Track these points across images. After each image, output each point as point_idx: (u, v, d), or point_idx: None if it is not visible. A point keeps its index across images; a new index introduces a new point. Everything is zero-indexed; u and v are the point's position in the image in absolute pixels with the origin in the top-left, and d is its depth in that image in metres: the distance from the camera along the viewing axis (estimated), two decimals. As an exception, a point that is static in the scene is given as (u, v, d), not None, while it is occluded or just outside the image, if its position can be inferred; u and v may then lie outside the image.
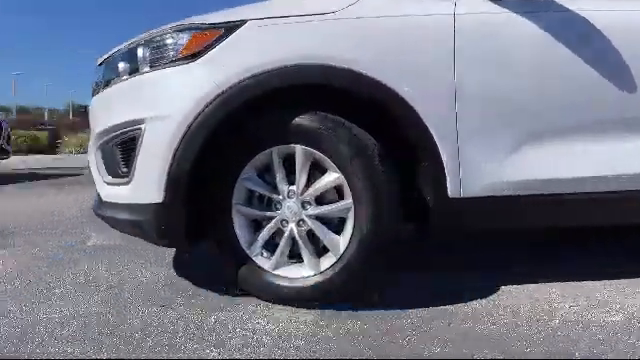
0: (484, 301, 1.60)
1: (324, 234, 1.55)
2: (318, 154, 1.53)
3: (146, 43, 1.62)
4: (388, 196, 1.50)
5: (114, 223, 1.70)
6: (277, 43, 1.56)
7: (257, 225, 1.65)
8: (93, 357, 1.20)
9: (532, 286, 1.72)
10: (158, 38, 1.60)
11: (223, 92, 1.48)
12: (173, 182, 1.50)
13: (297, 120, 1.52)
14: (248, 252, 1.62)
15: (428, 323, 1.42)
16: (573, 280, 1.77)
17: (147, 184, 1.53)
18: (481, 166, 1.58)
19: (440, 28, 1.57)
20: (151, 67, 1.58)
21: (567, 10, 1.59)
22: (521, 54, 1.60)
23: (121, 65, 1.68)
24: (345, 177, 1.51)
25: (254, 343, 1.30)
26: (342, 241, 1.53)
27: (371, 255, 1.51)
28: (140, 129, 1.54)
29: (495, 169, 1.58)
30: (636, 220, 1.83)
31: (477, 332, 1.37)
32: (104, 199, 1.71)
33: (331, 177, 1.54)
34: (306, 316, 1.49)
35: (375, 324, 1.42)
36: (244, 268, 1.62)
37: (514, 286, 1.72)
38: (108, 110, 1.70)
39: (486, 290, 1.68)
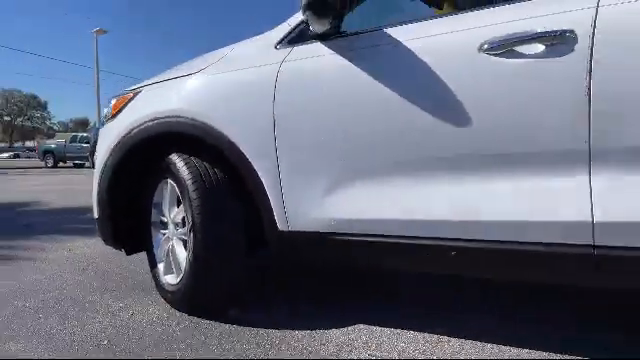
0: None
1: (179, 252, 1.94)
2: (177, 187, 1.92)
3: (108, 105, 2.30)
4: (204, 225, 1.76)
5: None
6: (152, 102, 2.01)
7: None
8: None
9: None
10: (109, 101, 2.27)
11: (119, 142, 2.03)
12: (100, 205, 2.14)
13: (166, 160, 1.95)
14: (157, 259, 2.14)
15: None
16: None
17: (94, 205, 2.21)
18: (303, 202, 1.69)
19: (265, 79, 1.74)
20: (104, 123, 2.26)
21: (388, 43, 1.55)
22: (333, 97, 1.63)
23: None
24: (184, 206, 1.86)
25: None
26: (186, 260, 1.88)
27: (198, 275, 1.80)
28: (96, 166, 2.24)
29: (317, 206, 1.66)
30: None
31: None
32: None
33: (181, 206, 1.91)
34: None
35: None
36: (154, 271, 2.14)
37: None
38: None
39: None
